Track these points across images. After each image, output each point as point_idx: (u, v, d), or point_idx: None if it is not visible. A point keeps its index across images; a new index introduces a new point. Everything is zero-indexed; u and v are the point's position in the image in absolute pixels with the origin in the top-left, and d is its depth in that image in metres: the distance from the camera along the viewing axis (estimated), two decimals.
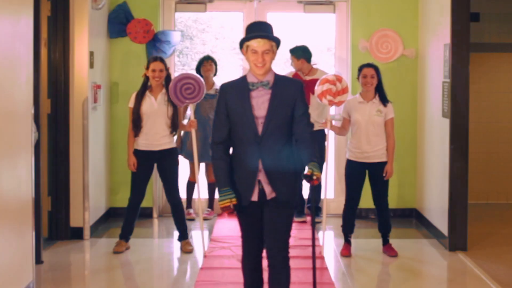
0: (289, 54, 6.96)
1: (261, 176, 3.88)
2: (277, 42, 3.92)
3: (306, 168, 3.80)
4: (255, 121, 3.87)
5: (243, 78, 3.98)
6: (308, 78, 6.80)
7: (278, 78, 3.95)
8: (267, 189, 3.88)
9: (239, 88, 3.93)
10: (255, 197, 3.91)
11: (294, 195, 3.95)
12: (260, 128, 3.86)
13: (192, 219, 6.98)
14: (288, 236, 3.95)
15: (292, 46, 6.91)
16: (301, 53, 6.83)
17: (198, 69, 7.05)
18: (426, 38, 6.95)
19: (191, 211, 7.13)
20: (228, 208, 3.89)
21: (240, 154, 3.92)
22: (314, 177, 3.75)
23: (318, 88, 5.98)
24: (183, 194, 6.51)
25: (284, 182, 3.90)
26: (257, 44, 3.84)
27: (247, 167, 3.88)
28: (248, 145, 3.88)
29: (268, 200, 3.90)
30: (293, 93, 3.90)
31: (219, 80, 7.16)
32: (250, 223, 3.98)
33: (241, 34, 7.50)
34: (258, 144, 3.85)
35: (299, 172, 3.91)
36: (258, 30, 3.90)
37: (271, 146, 3.85)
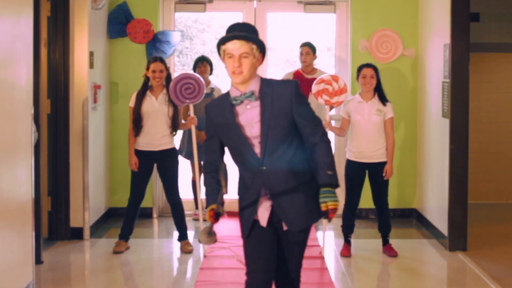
0: (289, 54, 6.96)
1: (266, 202, 3.35)
2: (258, 44, 3.27)
3: (320, 200, 3.22)
4: (249, 142, 3.27)
5: (226, 93, 3.36)
6: (310, 76, 6.82)
7: (266, 84, 3.30)
8: (276, 218, 3.36)
9: (222, 106, 3.31)
10: (263, 223, 3.37)
11: (309, 223, 3.37)
12: (258, 150, 3.26)
13: (198, 220, 6.96)
14: (300, 270, 3.51)
15: (298, 43, 6.92)
16: (315, 50, 6.89)
17: (194, 70, 7.05)
18: (426, 38, 6.95)
19: (198, 212, 7.11)
20: (212, 216, 3.35)
21: (243, 178, 3.40)
22: (330, 211, 3.20)
23: (314, 87, 6.05)
24: (184, 194, 6.49)
25: (295, 210, 3.31)
26: (233, 46, 3.22)
27: (250, 194, 3.35)
28: (249, 170, 3.31)
29: (281, 230, 3.39)
30: (286, 97, 3.25)
31: (217, 80, 7.16)
32: (258, 248, 3.38)
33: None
34: (260, 168, 3.27)
35: (314, 192, 3.29)
36: (236, 31, 3.29)
37: (277, 168, 3.27)
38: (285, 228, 3.36)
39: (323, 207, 3.20)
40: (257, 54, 3.29)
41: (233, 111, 3.28)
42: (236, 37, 3.24)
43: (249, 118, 3.27)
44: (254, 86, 3.29)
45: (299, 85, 3.37)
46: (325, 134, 3.32)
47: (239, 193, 3.44)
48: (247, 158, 3.29)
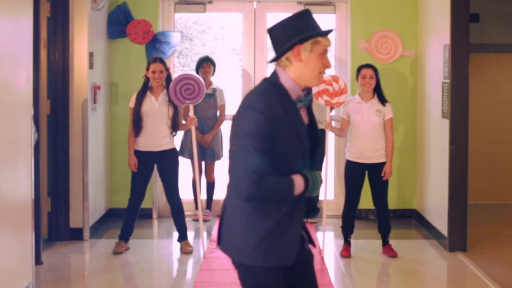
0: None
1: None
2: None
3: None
4: (305, 152, 2.79)
5: (278, 91, 2.74)
6: None
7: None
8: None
9: (283, 103, 2.72)
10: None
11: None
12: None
13: (198, 220, 6.96)
14: None
15: None
16: None
17: (197, 70, 7.06)
18: (426, 38, 6.95)
19: (198, 212, 7.11)
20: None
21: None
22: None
23: (314, 88, 6.03)
24: (184, 195, 6.49)
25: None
26: (328, 42, 2.79)
27: (300, 214, 2.84)
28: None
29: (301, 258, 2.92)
30: None
31: (217, 80, 7.15)
32: None
33: (241, 35, 7.51)
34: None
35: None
36: (318, 26, 2.80)
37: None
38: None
39: None
40: None
41: (299, 112, 2.77)
42: (329, 33, 2.78)
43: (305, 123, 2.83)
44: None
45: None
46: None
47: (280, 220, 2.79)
48: (299, 169, 2.76)
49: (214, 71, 7.10)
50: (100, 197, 6.87)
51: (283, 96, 2.73)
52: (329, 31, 2.77)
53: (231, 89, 7.84)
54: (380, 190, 5.87)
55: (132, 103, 5.89)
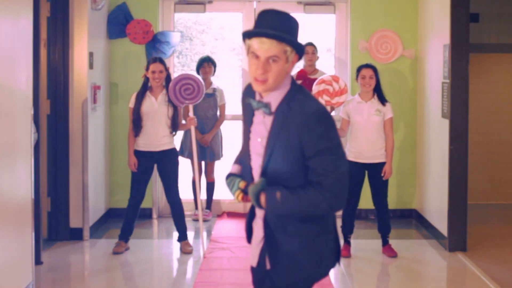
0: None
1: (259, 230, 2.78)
2: (295, 46, 2.51)
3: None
4: (249, 154, 2.67)
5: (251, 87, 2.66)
6: (311, 76, 6.84)
7: (289, 99, 2.53)
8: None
9: (250, 97, 2.66)
10: (253, 262, 2.78)
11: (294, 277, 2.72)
12: (255, 168, 2.67)
13: (198, 220, 6.96)
14: None
15: (304, 43, 6.94)
16: (317, 50, 7.02)
17: (197, 70, 7.06)
18: (426, 38, 6.95)
19: (198, 212, 7.11)
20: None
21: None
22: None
23: (314, 88, 6.07)
24: (184, 194, 6.49)
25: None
26: (259, 46, 2.47)
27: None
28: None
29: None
30: (296, 127, 2.48)
31: (217, 80, 7.16)
32: None
33: (241, 35, 7.49)
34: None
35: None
36: (268, 24, 2.49)
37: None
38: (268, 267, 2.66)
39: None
40: (292, 57, 2.52)
41: (253, 112, 2.63)
42: (265, 35, 2.46)
43: (258, 131, 2.61)
44: (275, 97, 2.55)
45: (321, 116, 2.48)
46: (334, 194, 2.51)
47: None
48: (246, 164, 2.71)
49: (214, 71, 7.10)
50: (100, 197, 6.87)
51: None
52: (258, 32, 2.47)
53: (231, 89, 7.84)
54: (380, 190, 5.87)
55: (131, 103, 5.90)
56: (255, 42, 2.48)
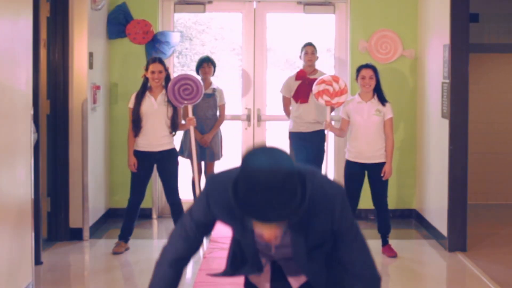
0: (289, 55, 6.95)
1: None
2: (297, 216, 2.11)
3: None
4: (258, 254, 2.69)
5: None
6: (311, 77, 6.82)
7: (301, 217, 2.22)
8: None
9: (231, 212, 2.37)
10: None
11: None
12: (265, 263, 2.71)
13: None
14: None
15: (298, 43, 6.92)
16: (317, 50, 6.92)
17: (197, 70, 7.05)
18: (426, 38, 6.95)
19: None
20: None
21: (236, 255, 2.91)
22: None
23: (314, 88, 6.08)
24: (184, 195, 6.49)
25: None
26: (264, 230, 2.17)
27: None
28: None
29: None
30: (325, 224, 2.36)
31: (217, 80, 7.15)
32: None
33: (241, 35, 7.50)
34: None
35: None
36: (267, 205, 2.05)
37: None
38: None
39: None
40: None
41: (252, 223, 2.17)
42: (267, 220, 2.10)
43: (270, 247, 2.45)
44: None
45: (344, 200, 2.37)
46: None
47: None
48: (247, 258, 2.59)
49: (214, 71, 7.09)
50: (99, 197, 6.87)
51: None
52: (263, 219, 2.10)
53: (231, 89, 7.84)
54: (380, 190, 5.87)
55: (131, 104, 5.89)
56: (258, 226, 2.15)
